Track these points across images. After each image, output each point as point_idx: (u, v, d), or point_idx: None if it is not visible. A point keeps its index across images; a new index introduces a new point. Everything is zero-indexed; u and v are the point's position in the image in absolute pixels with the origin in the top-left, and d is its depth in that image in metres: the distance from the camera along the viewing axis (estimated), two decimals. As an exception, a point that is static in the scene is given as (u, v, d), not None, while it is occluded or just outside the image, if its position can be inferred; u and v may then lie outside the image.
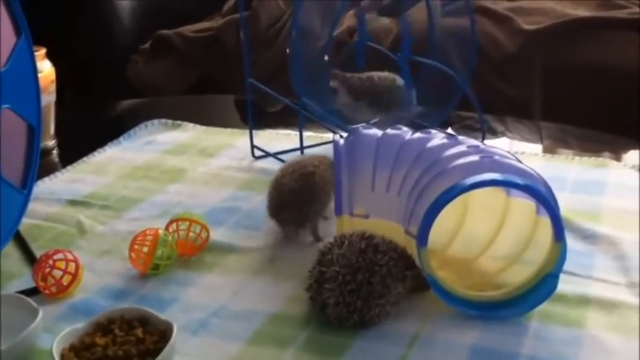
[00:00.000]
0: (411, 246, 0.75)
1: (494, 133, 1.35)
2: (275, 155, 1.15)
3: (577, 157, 1.14)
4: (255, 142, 1.17)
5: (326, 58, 1.12)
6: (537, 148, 1.29)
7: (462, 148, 0.78)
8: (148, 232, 0.82)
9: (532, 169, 0.75)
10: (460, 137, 0.83)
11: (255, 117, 1.18)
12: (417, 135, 0.83)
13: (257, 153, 1.17)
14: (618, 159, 1.16)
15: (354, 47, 1.29)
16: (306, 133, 1.17)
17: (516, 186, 0.72)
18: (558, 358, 0.68)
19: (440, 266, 0.79)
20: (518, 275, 0.76)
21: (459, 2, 1.25)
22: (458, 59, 1.23)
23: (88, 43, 1.94)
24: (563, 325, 0.72)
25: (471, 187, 0.72)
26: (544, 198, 0.72)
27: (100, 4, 1.99)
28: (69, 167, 1.13)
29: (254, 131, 1.18)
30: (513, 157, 0.78)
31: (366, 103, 1.16)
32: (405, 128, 0.85)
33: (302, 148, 1.08)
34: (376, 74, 1.18)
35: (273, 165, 1.12)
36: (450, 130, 1.29)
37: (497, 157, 0.76)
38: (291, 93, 1.12)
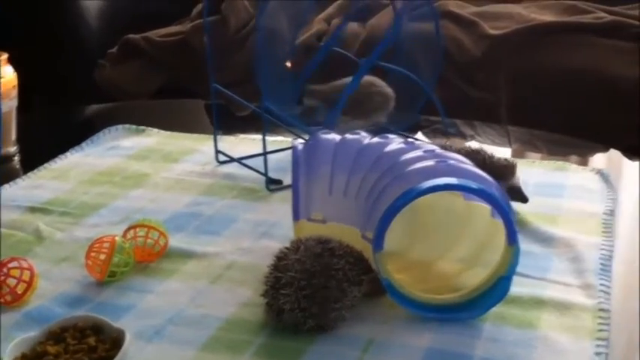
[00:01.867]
0: (368, 250, 0.76)
1: (464, 137, 1.36)
2: (239, 160, 1.15)
3: (538, 161, 1.15)
4: (221, 147, 1.17)
5: (288, 63, 1.12)
6: (506, 152, 1.30)
7: (418, 152, 0.79)
8: (104, 239, 0.81)
9: (486, 173, 0.76)
10: (417, 142, 0.83)
11: (226, 121, 1.18)
12: (376, 140, 0.84)
13: (221, 158, 1.17)
14: (585, 162, 1.17)
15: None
16: (273, 138, 1.18)
17: (470, 190, 0.73)
18: (511, 359, 0.68)
19: (399, 270, 0.79)
20: (476, 278, 0.76)
21: (424, 8, 1.25)
22: (424, 64, 1.24)
23: (55, 48, 1.93)
24: (516, 327, 0.73)
25: (425, 191, 0.72)
26: (497, 202, 0.72)
27: (66, 8, 1.98)
28: (30, 173, 1.12)
29: (220, 136, 1.18)
30: (469, 162, 0.79)
31: (347, 115, 1.16)
32: (363, 133, 0.86)
33: (265, 153, 1.08)
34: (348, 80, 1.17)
35: (237, 170, 1.13)
36: (420, 135, 1.29)
37: (452, 161, 0.77)
38: (260, 97, 1.12)
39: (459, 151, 0.93)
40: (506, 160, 0.96)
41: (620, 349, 0.74)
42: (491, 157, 0.96)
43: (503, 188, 0.92)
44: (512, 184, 0.95)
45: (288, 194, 1.02)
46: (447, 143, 0.98)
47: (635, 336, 0.76)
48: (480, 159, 0.94)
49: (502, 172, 0.94)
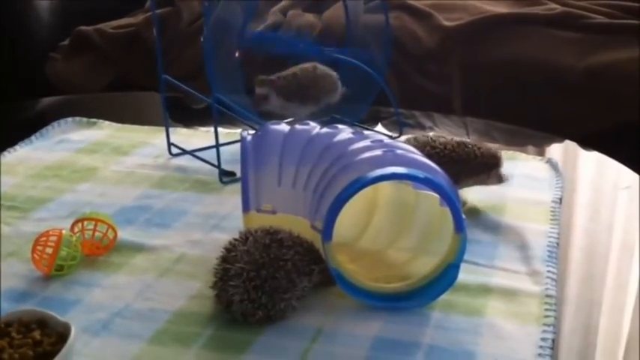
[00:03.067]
0: (318, 240, 0.76)
1: (422, 128, 1.37)
2: (192, 153, 1.14)
3: (489, 151, 1.16)
4: (175, 140, 1.16)
5: (237, 54, 1.11)
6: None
7: (366, 142, 0.79)
8: (51, 232, 0.80)
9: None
10: (366, 132, 0.84)
11: (183, 114, 1.16)
12: (324, 130, 0.84)
13: (174, 151, 1.16)
14: (542, 153, 1.19)
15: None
16: (229, 130, 1.17)
17: (416, 179, 0.73)
18: (457, 346, 0.69)
19: (350, 260, 0.80)
20: (425, 266, 0.77)
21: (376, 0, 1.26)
22: (379, 55, 1.25)
23: (5, 42, 1.89)
24: (464, 314, 0.74)
25: (372, 180, 0.73)
26: (444, 190, 0.73)
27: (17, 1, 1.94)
28: (-23, 168, 1.10)
29: (173, 129, 1.17)
30: (417, 152, 0.80)
31: (297, 101, 1.16)
32: (313, 124, 0.86)
33: (218, 145, 1.07)
34: (297, 68, 1.18)
35: (189, 163, 1.12)
36: (380, 126, 1.30)
37: (399, 151, 0.77)
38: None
39: (445, 146, 0.94)
40: (491, 148, 0.97)
41: (578, 335, 0.76)
42: (480, 147, 0.96)
43: (496, 177, 0.95)
44: (501, 172, 0.96)
45: (240, 186, 1.02)
46: (431, 137, 0.98)
47: (592, 322, 0.78)
48: (470, 152, 0.94)
49: (493, 160, 0.95)
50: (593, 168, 1.20)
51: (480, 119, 1.45)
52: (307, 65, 1.17)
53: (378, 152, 0.76)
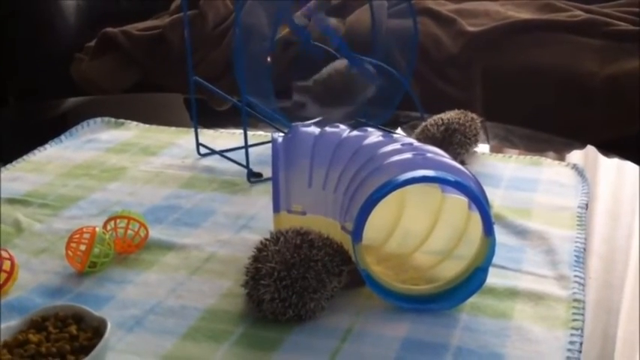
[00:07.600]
0: (347, 242, 0.77)
1: None
2: (221, 153, 1.15)
3: (514, 156, 1.16)
4: (200, 141, 1.17)
5: (269, 59, 1.12)
6: (484, 147, 1.31)
7: (396, 145, 0.80)
8: (85, 229, 0.82)
9: (463, 166, 0.77)
10: (395, 135, 0.85)
11: (204, 116, 1.18)
12: (354, 133, 0.85)
13: (202, 151, 1.17)
14: (562, 159, 1.19)
15: (302, 47, 1.30)
16: (252, 132, 1.18)
17: (447, 182, 0.74)
18: (485, 348, 0.70)
19: (376, 262, 0.81)
20: (451, 269, 0.78)
21: (403, 4, 1.27)
22: (401, 59, 1.26)
23: (32, 42, 1.92)
24: (491, 317, 0.74)
25: (403, 183, 0.73)
26: (474, 194, 0.74)
27: (44, 2, 1.96)
28: (8, 166, 1.12)
29: (199, 130, 1.18)
30: (446, 155, 0.80)
31: (334, 104, 1.17)
32: (342, 126, 0.87)
33: (247, 146, 1.08)
34: (331, 69, 1.19)
35: (216, 163, 1.13)
36: (399, 130, 1.31)
37: (429, 154, 0.78)
38: (238, 92, 1.13)
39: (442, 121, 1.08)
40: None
41: (596, 340, 0.76)
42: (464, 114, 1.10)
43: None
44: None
45: (267, 187, 1.03)
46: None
47: (611, 329, 0.78)
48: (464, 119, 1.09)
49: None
50: (613, 174, 1.20)
51: (501, 124, 1.45)
52: (339, 64, 1.18)
53: (408, 155, 0.77)
